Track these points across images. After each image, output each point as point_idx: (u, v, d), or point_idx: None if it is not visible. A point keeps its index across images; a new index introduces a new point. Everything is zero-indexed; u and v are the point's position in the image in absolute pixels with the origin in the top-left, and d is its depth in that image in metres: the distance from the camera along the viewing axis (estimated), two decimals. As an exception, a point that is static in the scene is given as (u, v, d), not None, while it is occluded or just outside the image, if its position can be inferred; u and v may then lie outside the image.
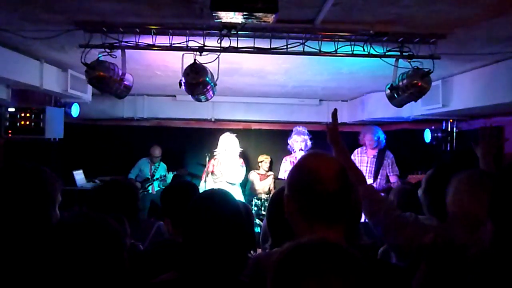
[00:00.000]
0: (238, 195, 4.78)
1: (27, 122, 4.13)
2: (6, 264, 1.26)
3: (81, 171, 5.72)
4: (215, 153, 4.99)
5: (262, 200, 5.67)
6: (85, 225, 1.12)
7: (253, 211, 5.21)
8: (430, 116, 4.96)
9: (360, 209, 1.54)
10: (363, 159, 5.26)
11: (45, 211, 1.42)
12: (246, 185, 6.00)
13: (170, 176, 6.21)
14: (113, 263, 1.11)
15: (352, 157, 5.27)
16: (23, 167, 1.46)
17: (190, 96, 3.33)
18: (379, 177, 5.14)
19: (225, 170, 4.74)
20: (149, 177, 6.23)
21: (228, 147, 4.83)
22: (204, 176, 4.95)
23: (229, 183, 4.77)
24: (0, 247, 1.29)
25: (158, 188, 6.25)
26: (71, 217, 1.17)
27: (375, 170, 5.14)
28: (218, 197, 1.43)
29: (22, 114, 4.12)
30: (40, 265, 1.08)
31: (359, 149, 5.40)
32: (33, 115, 4.14)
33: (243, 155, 5.65)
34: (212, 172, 4.90)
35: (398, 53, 3.10)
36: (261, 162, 6.34)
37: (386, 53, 3.11)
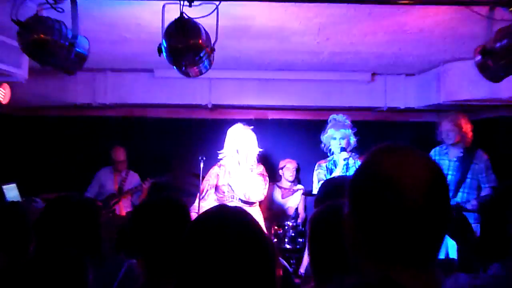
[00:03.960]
0: (259, 220, 4.74)
1: None
2: None
3: (14, 185, 5.77)
4: (219, 157, 4.91)
5: (286, 228, 5.63)
6: None
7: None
8: (544, 96, 4.89)
9: None
10: (443, 164, 5.18)
11: None
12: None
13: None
14: None
15: None
16: None
17: (174, 69, 3.34)
18: (462, 189, 5.08)
19: (237, 183, 4.66)
20: (115, 192, 6.28)
21: (241, 147, 4.70)
22: (203, 192, 4.85)
23: (244, 202, 4.68)
24: None
25: (130, 210, 6.29)
26: None
27: (457, 179, 5.07)
28: (232, 220, 1.39)
29: None
30: None
31: (437, 148, 5.39)
32: None
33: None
34: (216, 187, 4.80)
35: (494, -2, 3.06)
36: (281, 169, 6.32)
37: (475, -1, 3.08)
